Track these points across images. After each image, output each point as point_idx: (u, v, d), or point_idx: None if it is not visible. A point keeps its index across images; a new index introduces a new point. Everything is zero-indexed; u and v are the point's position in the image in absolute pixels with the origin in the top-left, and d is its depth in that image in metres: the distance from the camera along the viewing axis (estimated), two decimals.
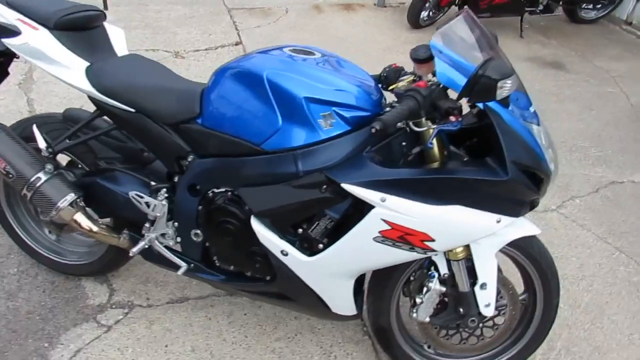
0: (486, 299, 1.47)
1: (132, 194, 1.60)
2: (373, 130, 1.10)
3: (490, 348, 1.66)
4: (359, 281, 1.58)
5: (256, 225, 1.42)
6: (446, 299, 1.53)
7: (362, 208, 1.31)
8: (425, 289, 1.47)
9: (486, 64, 1.07)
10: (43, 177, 1.57)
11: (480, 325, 1.57)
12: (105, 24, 1.70)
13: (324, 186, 1.31)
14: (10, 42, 1.53)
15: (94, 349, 1.74)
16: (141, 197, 1.59)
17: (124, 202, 1.62)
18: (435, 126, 1.21)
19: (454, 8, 4.91)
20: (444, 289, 1.47)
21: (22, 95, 3.24)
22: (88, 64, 1.55)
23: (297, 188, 1.34)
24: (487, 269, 1.45)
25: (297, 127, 1.32)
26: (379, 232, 1.30)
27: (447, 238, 1.31)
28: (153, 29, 4.28)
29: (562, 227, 2.48)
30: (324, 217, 1.36)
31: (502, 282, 1.55)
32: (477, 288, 1.46)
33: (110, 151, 1.70)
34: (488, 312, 1.49)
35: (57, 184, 1.59)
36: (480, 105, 1.22)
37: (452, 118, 1.20)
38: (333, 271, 1.42)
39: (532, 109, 1.32)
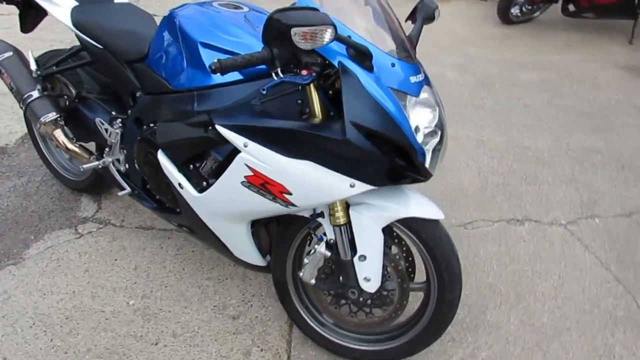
0: (365, 273, 1.45)
1: (97, 120, 1.86)
2: (209, 69, 1.17)
3: (380, 330, 1.62)
4: None
5: (161, 157, 1.57)
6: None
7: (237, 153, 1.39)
8: (312, 251, 1.49)
9: (288, 10, 1.06)
10: (34, 95, 1.90)
11: (366, 301, 1.53)
12: None
13: (209, 127, 1.41)
14: None
15: (61, 248, 2.07)
16: (102, 124, 1.85)
17: (92, 126, 1.89)
18: (282, 76, 1.22)
19: (555, 6, 4.48)
20: (329, 253, 1.47)
21: None
22: (77, 4, 1.83)
23: (189, 126, 1.45)
24: (367, 241, 1.42)
25: (196, 69, 1.43)
26: (245, 177, 1.36)
27: (303, 194, 1.31)
28: None
29: (560, 242, 2.22)
30: (210, 157, 1.46)
31: (393, 262, 1.50)
32: (356, 259, 1.44)
33: (93, 82, 1.98)
34: (368, 287, 1.46)
35: (44, 103, 1.90)
36: (335, 63, 1.20)
37: (304, 72, 1.21)
38: (218, 211, 1.52)
39: (414, 80, 1.26)
